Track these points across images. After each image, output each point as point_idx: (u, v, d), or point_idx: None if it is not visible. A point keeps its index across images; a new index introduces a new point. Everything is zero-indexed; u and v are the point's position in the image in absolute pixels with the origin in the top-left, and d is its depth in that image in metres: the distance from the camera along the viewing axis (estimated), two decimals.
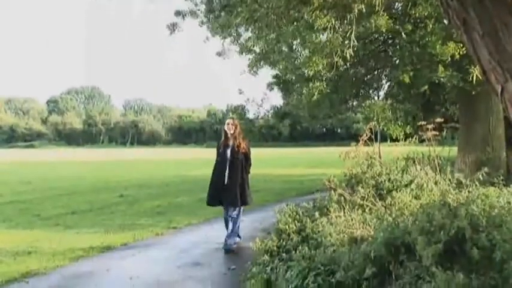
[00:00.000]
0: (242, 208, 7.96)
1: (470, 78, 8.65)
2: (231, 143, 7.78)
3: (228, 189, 7.61)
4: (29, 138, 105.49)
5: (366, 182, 6.38)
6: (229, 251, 7.48)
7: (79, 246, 8.03)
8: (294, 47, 12.44)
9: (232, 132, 7.77)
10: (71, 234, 9.31)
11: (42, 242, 8.46)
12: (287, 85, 14.33)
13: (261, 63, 13.15)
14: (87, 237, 8.84)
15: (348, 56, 8.21)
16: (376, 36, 11.73)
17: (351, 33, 7.70)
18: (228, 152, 7.72)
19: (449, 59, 9.26)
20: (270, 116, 17.17)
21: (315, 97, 10.94)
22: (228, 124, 7.85)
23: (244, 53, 12.81)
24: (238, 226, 7.92)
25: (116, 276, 6.27)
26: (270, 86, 15.13)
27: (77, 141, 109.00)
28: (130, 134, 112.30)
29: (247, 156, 7.89)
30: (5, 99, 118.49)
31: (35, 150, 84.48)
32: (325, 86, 10.65)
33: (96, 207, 13.26)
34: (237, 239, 7.86)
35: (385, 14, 8.76)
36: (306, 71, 10.15)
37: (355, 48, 8.60)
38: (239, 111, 15.91)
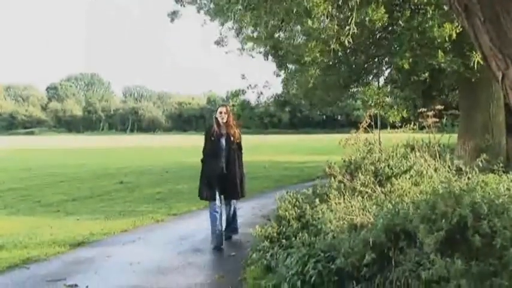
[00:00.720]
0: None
1: (472, 64, 8.63)
2: (224, 131, 7.18)
3: (229, 181, 7.16)
4: (29, 125, 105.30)
5: (365, 169, 6.38)
6: (234, 233, 7.55)
7: (79, 232, 8.06)
8: (293, 33, 12.40)
9: (225, 120, 7.16)
10: (71, 220, 9.34)
11: (42, 229, 8.49)
12: (282, 59, 14.25)
13: (259, 48, 13.11)
14: (88, 224, 8.88)
15: (346, 42, 8.18)
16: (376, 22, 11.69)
17: (352, 20, 7.67)
18: (223, 141, 7.15)
19: (449, 44, 9.24)
20: (270, 104, 17.16)
21: (310, 84, 10.93)
22: (221, 113, 7.17)
23: (240, 37, 12.74)
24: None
25: (116, 263, 6.30)
26: (275, 74, 15.07)
27: (77, 128, 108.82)
28: (130, 121, 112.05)
29: (240, 146, 7.45)
30: (4, 86, 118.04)
31: (35, 137, 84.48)
32: (319, 72, 10.63)
33: (97, 193, 13.29)
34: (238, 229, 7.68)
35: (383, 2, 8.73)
36: (303, 57, 10.13)
37: (355, 34, 8.55)
38: (239, 98, 15.88)
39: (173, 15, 10.83)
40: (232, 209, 7.48)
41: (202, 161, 7.26)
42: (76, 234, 7.90)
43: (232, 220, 7.54)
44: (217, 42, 13.16)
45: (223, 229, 7.27)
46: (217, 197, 7.10)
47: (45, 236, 7.90)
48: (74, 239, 7.61)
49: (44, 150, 40.18)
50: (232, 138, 7.19)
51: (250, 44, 13.09)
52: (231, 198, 7.39)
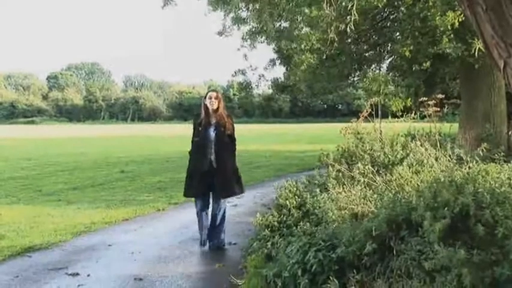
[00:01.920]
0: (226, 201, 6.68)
1: (473, 51, 8.61)
2: (213, 120, 6.30)
3: (219, 176, 6.25)
4: (30, 115, 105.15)
5: (361, 157, 6.41)
6: (218, 244, 6.46)
7: (81, 221, 8.09)
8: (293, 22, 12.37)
9: (215, 107, 6.29)
10: (72, 209, 9.36)
11: (44, 217, 8.52)
12: (289, 59, 14.26)
13: (260, 38, 13.05)
14: (89, 213, 8.90)
15: (348, 29, 8.14)
16: (376, 11, 11.63)
17: (352, 6, 7.62)
18: (211, 132, 6.27)
19: (451, 31, 9.21)
20: (269, 87, 17.15)
21: (303, 67, 10.87)
22: (211, 98, 6.28)
23: (239, 26, 12.66)
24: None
25: (118, 251, 6.32)
26: (272, 62, 15.05)
27: (77, 117, 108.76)
28: (131, 110, 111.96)
29: (232, 137, 6.49)
30: (5, 75, 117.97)
31: (36, 126, 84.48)
32: (315, 58, 10.58)
33: (98, 183, 13.31)
34: (223, 235, 6.56)
35: None
36: (301, 45, 10.11)
37: (357, 23, 8.52)
38: (242, 81, 15.86)
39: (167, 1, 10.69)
40: (220, 209, 6.47)
41: (189, 153, 6.48)
42: (77, 223, 7.93)
43: (217, 224, 6.48)
44: (220, 33, 13.07)
45: (206, 236, 6.50)
46: (204, 194, 6.42)
47: (46, 224, 7.92)
48: (75, 227, 7.63)
49: (45, 140, 40.21)
50: (222, 129, 6.31)
51: (252, 35, 13.01)
52: (219, 196, 6.41)
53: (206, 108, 6.32)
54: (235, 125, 6.59)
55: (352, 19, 7.41)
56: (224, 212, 6.49)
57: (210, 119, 6.31)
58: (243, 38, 13.16)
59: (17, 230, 7.55)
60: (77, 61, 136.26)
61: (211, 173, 6.24)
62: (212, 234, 6.45)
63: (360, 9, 8.77)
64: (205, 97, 6.40)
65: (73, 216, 8.66)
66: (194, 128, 6.45)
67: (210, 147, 6.23)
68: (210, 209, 6.55)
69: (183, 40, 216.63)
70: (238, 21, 12.16)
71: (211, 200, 6.55)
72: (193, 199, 6.63)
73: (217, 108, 6.29)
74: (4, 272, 5.51)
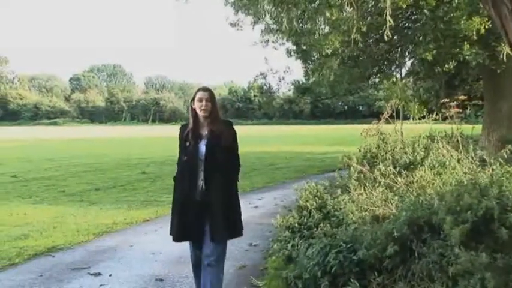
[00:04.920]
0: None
1: (501, 56, 8.49)
2: (206, 131, 4.24)
3: (207, 210, 4.15)
4: (53, 116, 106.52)
5: (383, 158, 6.36)
6: None
7: (103, 222, 8.18)
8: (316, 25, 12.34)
9: (207, 114, 4.20)
10: (94, 210, 9.47)
11: (67, 218, 8.64)
12: (306, 54, 14.22)
13: (282, 39, 13.06)
14: (111, 213, 8.99)
15: (367, 30, 8.06)
16: (399, 12, 11.55)
17: (379, 7, 7.53)
18: (202, 146, 4.19)
19: (475, 35, 9.09)
20: (290, 90, 17.15)
21: (331, 77, 10.87)
22: (202, 101, 4.19)
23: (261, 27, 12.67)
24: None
25: (139, 252, 6.37)
26: (289, 53, 14.99)
27: (99, 118, 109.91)
28: (152, 112, 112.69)
29: (233, 153, 4.34)
30: (29, 77, 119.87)
31: (59, 128, 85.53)
32: (338, 64, 10.55)
33: (119, 183, 13.44)
34: None
35: None
36: (325, 49, 10.08)
37: (378, 23, 8.47)
38: (262, 86, 15.89)
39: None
40: (210, 263, 4.23)
41: (175, 179, 4.44)
42: (99, 224, 8.03)
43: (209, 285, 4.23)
44: (233, 24, 13.05)
45: None
46: (199, 237, 4.25)
47: (69, 225, 8.03)
48: (97, 228, 7.73)
49: (67, 141, 40.72)
50: (217, 142, 4.20)
51: (273, 37, 13.02)
52: (213, 239, 4.17)
53: (195, 114, 4.28)
54: (240, 139, 4.45)
55: (388, 25, 7.19)
56: (221, 261, 4.32)
57: (200, 129, 4.26)
58: (263, 40, 13.18)
59: (40, 229, 7.67)
60: (98, 63, 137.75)
61: (201, 206, 4.16)
62: None
63: (382, 10, 8.70)
64: (193, 99, 4.30)
65: (95, 216, 8.76)
66: (181, 143, 4.40)
67: (200, 168, 4.18)
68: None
69: (204, 42, 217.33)
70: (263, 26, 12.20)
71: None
72: None
73: (211, 113, 4.23)
74: (28, 271, 5.60)
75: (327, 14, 9.02)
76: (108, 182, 13.75)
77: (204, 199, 4.15)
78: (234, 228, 4.30)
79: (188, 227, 4.24)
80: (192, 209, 4.18)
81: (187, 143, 4.25)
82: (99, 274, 5.43)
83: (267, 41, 13.11)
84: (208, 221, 4.16)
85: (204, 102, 4.18)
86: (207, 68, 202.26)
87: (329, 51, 9.71)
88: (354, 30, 8.62)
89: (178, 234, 4.35)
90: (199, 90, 4.34)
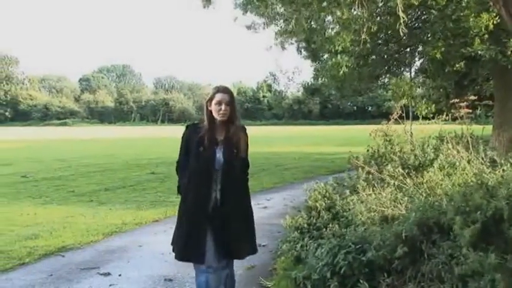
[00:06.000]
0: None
1: (509, 52, 8.46)
2: (221, 136, 3.81)
3: (227, 225, 3.75)
4: (63, 116, 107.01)
5: (390, 159, 6.34)
6: None
7: (112, 222, 8.22)
8: (325, 23, 12.33)
9: (226, 118, 3.77)
10: (104, 210, 9.51)
11: (76, 218, 8.69)
12: (315, 53, 14.25)
13: (291, 39, 13.06)
14: (120, 214, 9.03)
15: (377, 30, 8.05)
16: (409, 12, 11.52)
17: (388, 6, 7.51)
18: (219, 153, 3.77)
19: (484, 31, 9.05)
20: (299, 90, 17.20)
21: (341, 72, 10.85)
22: (221, 104, 3.73)
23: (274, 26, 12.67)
24: None
25: (149, 252, 6.39)
26: (298, 50, 15.00)
27: (109, 119, 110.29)
28: (161, 112, 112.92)
29: (246, 162, 4.04)
30: (39, 77, 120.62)
31: (69, 128, 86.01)
32: (352, 61, 10.55)
33: (129, 184, 13.50)
34: None
35: None
36: (334, 47, 10.07)
37: (389, 23, 8.45)
38: (272, 88, 15.97)
39: (207, 2, 10.73)
40: (226, 276, 3.88)
41: (179, 189, 4.12)
42: (109, 224, 8.07)
43: None
44: (249, 27, 13.08)
45: None
46: (207, 254, 3.74)
47: (78, 225, 8.08)
48: (107, 228, 7.77)
49: (77, 141, 40.92)
50: (235, 151, 3.82)
51: (282, 37, 13.03)
52: (231, 256, 3.89)
53: (211, 117, 3.79)
54: (249, 141, 4.07)
55: (401, 21, 7.10)
56: (233, 280, 4.03)
57: (216, 133, 3.80)
58: (275, 42, 13.21)
59: (50, 229, 7.72)
60: (108, 63, 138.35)
61: (215, 219, 3.74)
62: None
63: (391, 9, 8.69)
64: (209, 100, 3.81)
65: (105, 216, 8.80)
66: (183, 147, 4.05)
67: (216, 179, 3.78)
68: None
69: (213, 41, 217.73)
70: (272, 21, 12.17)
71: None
72: None
73: (229, 118, 3.79)
74: (39, 270, 5.65)
75: (338, 13, 9.00)
76: (118, 182, 13.81)
77: (217, 213, 3.73)
78: (255, 242, 3.98)
79: (193, 243, 3.81)
80: (202, 223, 3.75)
81: (201, 148, 3.76)
82: (109, 274, 5.46)
83: (282, 43, 13.13)
84: (226, 236, 3.73)
85: (223, 106, 3.72)
86: (215, 68, 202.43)
87: (340, 48, 9.68)
88: (365, 30, 8.60)
89: (181, 252, 4.02)
90: (218, 91, 3.80)
